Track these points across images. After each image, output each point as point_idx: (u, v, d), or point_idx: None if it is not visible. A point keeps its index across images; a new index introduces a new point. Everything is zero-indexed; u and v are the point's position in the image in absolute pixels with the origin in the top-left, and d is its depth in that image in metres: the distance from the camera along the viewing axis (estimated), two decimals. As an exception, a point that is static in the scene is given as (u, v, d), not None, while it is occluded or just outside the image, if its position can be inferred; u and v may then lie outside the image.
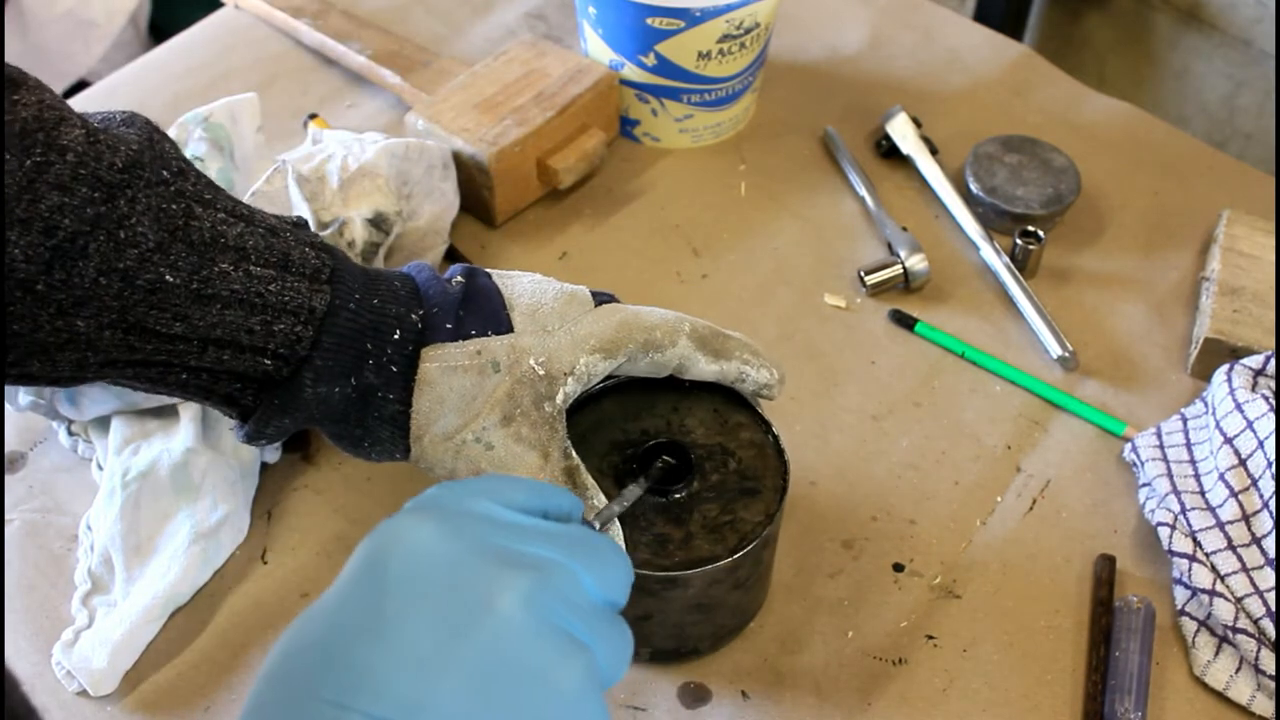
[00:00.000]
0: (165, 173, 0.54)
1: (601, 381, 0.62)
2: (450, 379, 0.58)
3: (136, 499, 0.68)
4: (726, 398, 0.64)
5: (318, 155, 0.77)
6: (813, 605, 0.68)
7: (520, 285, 0.61)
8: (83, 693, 0.64)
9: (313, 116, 0.91)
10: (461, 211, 0.85)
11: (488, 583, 0.42)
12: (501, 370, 0.58)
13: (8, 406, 0.71)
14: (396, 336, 0.58)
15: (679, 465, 0.62)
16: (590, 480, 0.59)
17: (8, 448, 0.74)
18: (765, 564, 0.64)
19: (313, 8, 0.99)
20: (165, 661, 0.65)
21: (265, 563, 0.70)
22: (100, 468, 0.71)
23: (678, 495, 0.61)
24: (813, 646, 0.67)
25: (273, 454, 0.72)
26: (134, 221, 0.52)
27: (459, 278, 0.61)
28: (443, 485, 0.48)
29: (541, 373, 0.58)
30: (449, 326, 0.59)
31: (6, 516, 0.71)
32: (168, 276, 0.53)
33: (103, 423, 0.72)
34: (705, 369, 0.62)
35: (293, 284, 0.56)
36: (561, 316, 0.60)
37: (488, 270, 0.62)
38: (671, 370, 0.62)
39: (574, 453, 0.59)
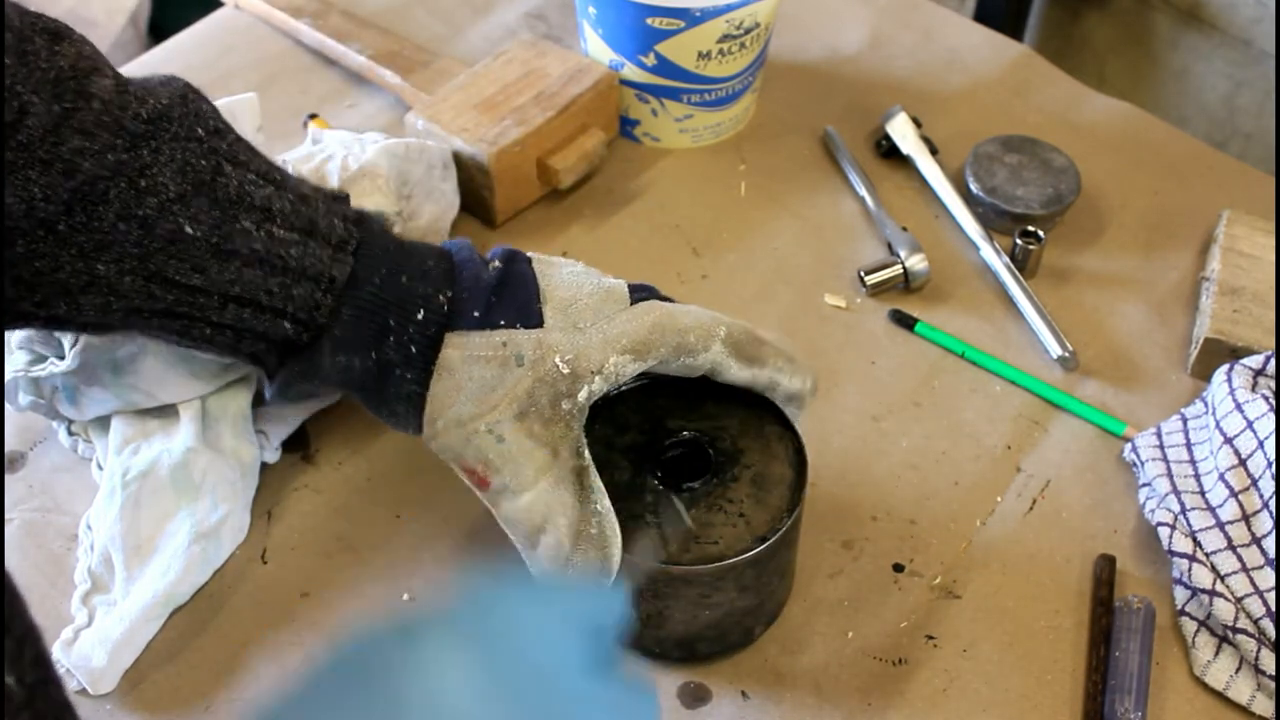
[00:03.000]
0: (200, 130, 0.55)
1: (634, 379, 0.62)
2: (471, 368, 0.58)
3: (136, 499, 0.68)
4: (758, 398, 0.64)
5: (318, 155, 0.77)
6: (813, 605, 0.68)
7: (559, 276, 0.61)
8: (82, 691, 0.64)
9: (312, 116, 0.91)
10: (461, 211, 0.85)
11: None
12: (525, 365, 0.58)
13: (8, 406, 0.71)
14: (420, 316, 0.58)
15: (697, 464, 0.62)
16: (598, 482, 0.59)
17: (8, 448, 0.74)
18: (773, 573, 0.64)
19: (313, 8, 0.98)
20: (165, 661, 0.65)
21: (265, 563, 0.70)
22: (100, 467, 0.71)
23: (691, 489, 0.61)
24: (813, 646, 0.67)
25: (272, 454, 0.72)
26: (155, 171, 0.53)
27: (497, 262, 0.60)
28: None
29: (566, 371, 0.58)
30: (476, 314, 0.59)
31: (6, 516, 0.71)
32: (187, 228, 0.54)
33: (103, 423, 0.72)
34: (737, 375, 0.61)
35: (315, 250, 0.57)
36: (595, 313, 0.60)
37: (530, 255, 0.62)
38: (703, 373, 0.61)
39: (587, 453, 0.59)
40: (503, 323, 0.58)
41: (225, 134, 0.57)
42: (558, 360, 0.58)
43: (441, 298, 0.58)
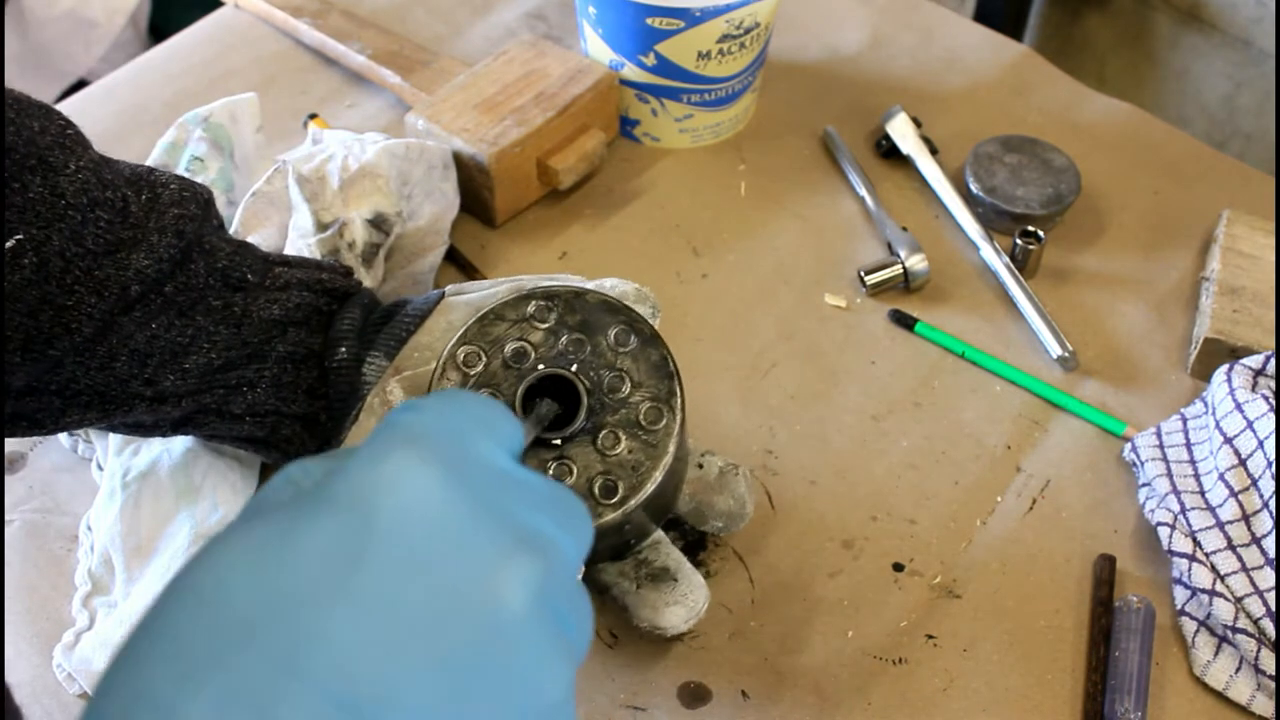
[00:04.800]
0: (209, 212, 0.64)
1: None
2: None
3: (136, 499, 0.68)
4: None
5: (318, 155, 0.77)
6: (813, 605, 0.68)
7: None
8: (84, 695, 0.64)
9: (313, 116, 0.91)
10: (462, 211, 0.85)
11: (496, 564, 0.36)
12: None
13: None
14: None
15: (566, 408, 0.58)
16: None
17: (8, 448, 0.74)
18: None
19: (313, 7, 0.99)
20: (165, 662, 0.65)
21: (265, 563, 0.70)
22: (100, 468, 0.71)
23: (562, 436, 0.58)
24: (813, 646, 0.67)
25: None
26: (216, 235, 0.63)
27: None
28: (435, 411, 0.39)
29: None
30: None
31: (6, 517, 0.71)
32: (249, 276, 0.63)
33: (103, 423, 0.72)
34: None
35: (329, 274, 0.68)
36: None
37: None
38: None
39: None
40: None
41: (216, 214, 0.65)
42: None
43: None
